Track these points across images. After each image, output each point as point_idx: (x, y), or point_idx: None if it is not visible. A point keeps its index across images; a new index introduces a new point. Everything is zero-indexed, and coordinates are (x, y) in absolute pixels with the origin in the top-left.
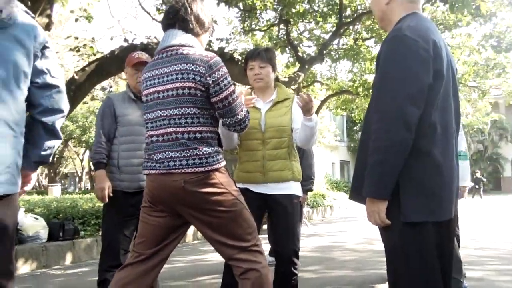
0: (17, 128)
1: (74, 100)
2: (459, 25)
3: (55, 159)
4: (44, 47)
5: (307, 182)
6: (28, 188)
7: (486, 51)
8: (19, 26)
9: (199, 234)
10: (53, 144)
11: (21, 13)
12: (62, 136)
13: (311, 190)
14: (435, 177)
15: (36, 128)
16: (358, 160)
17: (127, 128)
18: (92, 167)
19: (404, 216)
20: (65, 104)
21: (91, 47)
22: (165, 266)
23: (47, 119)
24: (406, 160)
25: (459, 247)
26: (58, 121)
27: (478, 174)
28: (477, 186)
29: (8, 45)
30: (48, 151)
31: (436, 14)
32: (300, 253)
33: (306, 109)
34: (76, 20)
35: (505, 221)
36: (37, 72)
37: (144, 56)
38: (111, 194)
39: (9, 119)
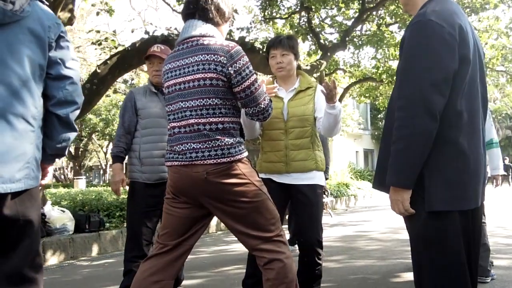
0: (35, 123)
1: (97, 94)
2: (486, 8)
3: (79, 152)
4: (59, 37)
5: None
6: (45, 181)
7: None
8: (33, 17)
9: (222, 225)
10: (68, 137)
11: (35, 4)
12: (77, 128)
13: (326, 179)
14: (461, 166)
15: (50, 121)
16: (382, 149)
17: (148, 120)
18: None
19: (428, 205)
20: (79, 96)
21: (113, 40)
22: (189, 256)
23: (61, 112)
24: (431, 149)
25: (487, 235)
26: (73, 113)
27: (507, 161)
28: (506, 173)
29: (24, 38)
30: (64, 144)
31: None
32: (324, 243)
33: (330, 96)
34: (98, 13)
35: None
36: (51, 63)
37: (158, 49)
38: (125, 188)
39: (27, 115)
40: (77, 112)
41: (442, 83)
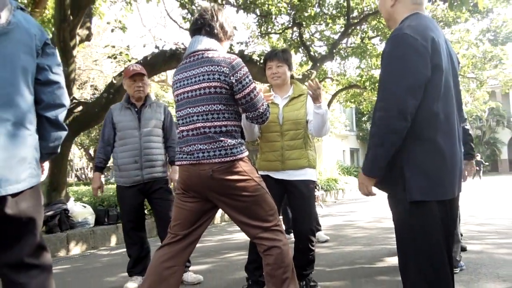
0: (31, 127)
1: (113, 102)
2: (458, 22)
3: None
4: (45, 44)
5: None
6: (42, 178)
7: (483, 45)
8: (20, 27)
9: (226, 217)
10: (59, 136)
11: (18, 13)
12: (66, 127)
13: None
14: (438, 161)
15: (42, 123)
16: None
17: (122, 132)
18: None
19: (409, 195)
20: (66, 99)
21: (126, 54)
22: (197, 245)
23: (50, 114)
24: (412, 145)
25: (459, 224)
26: (61, 115)
27: (479, 157)
28: (478, 168)
29: (14, 49)
30: (56, 142)
31: (436, 12)
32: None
33: (315, 96)
34: (112, 30)
35: (502, 199)
36: (39, 70)
37: (138, 67)
38: (100, 194)
39: (24, 120)
40: (65, 113)
41: (416, 89)
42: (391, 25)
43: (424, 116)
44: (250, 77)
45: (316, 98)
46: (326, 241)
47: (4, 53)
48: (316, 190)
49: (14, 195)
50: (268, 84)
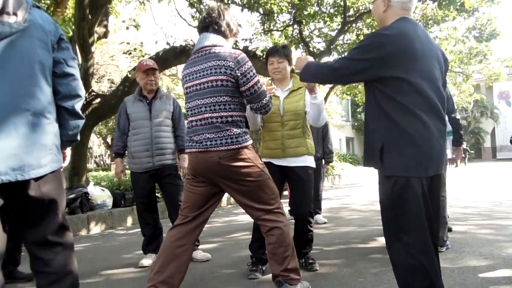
0: (50, 116)
1: (128, 94)
2: (446, 20)
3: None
4: (60, 39)
5: (329, 155)
6: (65, 164)
7: (469, 41)
8: (36, 24)
9: (232, 200)
10: (77, 124)
11: (34, 11)
12: (83, 116)
13: (331, 161)
14: (412, 142)
15: (60, 113)
16: (365, 137)
17: (135, 123)
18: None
19: (385, 171)
20: (81, 90)
21: (140, 50)
22: (205, 225)
23: (67, 104)
24: (390, 128)
25: (446, 209)
26: (77, 104)
27: (464, 145)
28: (464, 155)
29: (31, 44)
30: (75, 131)
31: (426, 10)
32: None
33: (310, 87)
34: (127, 28)
35: (485, 184)
36: (55, 63)
37: (151, 62)
38: (124, 177)
39: (43, 110)
40: (81, 103)
41: (348, 74)
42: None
43: (400, 103)
44: (254, 71)
45: (311, 90)
46: (324, 223)
47: (21, 48)
48: (323, 173)
49: (36, 179)
50: (270, 78)
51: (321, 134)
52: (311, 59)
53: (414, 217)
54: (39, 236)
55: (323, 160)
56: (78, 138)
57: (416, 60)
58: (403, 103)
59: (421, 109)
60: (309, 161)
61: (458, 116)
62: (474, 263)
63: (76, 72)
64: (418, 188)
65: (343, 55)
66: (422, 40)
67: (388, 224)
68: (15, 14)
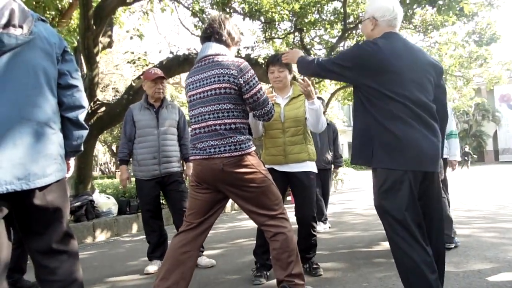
0: (55, 126)
1: (133, 102)
2: (445, 25)
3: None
4: (64, 52)
5: (339, 160)
6: (69, 174)
7: (469, 46)
8: (41, 37)
9: (236, 206)
10: (81, 134)
11: (39, 24)
12: (87, 126)
13: (341, 165)
14: (396, 141)
15: (64, 123)
16: (353, 138)
17: (141, 130)
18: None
19: (374, 164)
20: (85, 101)
21: (144, 59)
22: (210, 232)
23: (71, 115)
24: (378, 129)
25: (449, 209)
26: (81, 115)
27: (467, 149)
28: (466, 158)
29: (36, 56)
30: (79, 141)
31: (425, 16)
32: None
33: (307, 93)
34: (131, 38)
35: (488, 187)
36: (60, 75)
37: (159, 71)
38: (129, 184)
39: (48, 120)
40: (85, 113)
41: (329, 73)
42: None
43: (388, 107)
44: (257, 79)
45: (308, 95)
46: (329, 227)
47: (26, 60)
48: (331, 178)
49: (41, 188)
50: (270, 86)
51: (332, 139)
52: (300, 52)
53: (398, 206)
54: (44, 245)
55: (333, 165)
56: (82, 148)
57: (394, 74)
58: (388, 109)
59: (407, 116)
60: (311, 167)
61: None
62: (479, 267)
63: (80, 83)
64: (407, 182)
65: (330, 56)
66: (403, 54)
67: (380, 210)
68: (20, 26)
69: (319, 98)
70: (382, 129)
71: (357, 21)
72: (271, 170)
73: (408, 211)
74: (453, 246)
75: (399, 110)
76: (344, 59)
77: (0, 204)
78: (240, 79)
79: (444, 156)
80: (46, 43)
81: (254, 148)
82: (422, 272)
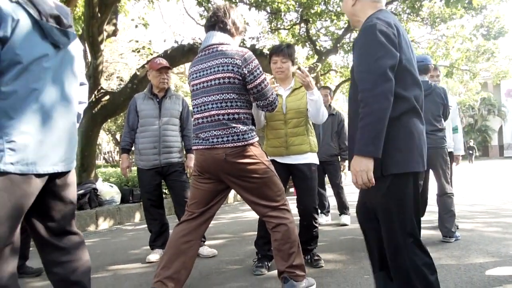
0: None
1: (137, 91)
2: (453, 18)
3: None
4: (79, 52)
5: (345, 152)
6: None
7: (477, 39)
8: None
9: (238, 197)
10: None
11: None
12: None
13: (347, 158)
14: (408, 139)
15: None
16: (349, 132)
17: (144, 120)
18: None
19: (385, 169)
20: (87, 97)
21: (149, 48)
22: (212, 222)
23: (79, 109)
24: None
25: (452, 202)
26: (83, 110)
27: (471, 143)
28: (470, 152)
29: (72, 52)
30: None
31: (433, 9)
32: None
33: (306, 83)
34: (136, 26)
35: (492, 182)
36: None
37: (164, 61)
38: (130, 173)
39: (76, 113)
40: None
41: (394, 69)
42: (353, 23)
43: (394, 98)
44: (261, 69)
45: (307, 86)
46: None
47: (71, 55)
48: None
49: (67, 172)
50: (272, 76)
51: (337, 130)
52: None
53: (410, 216)
54: (59, 226)
55: (339, 157)
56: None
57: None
58: (400, 96)
59: (410, 103)
60: (312, 158)
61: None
62: (481, 261)
63: (84, 79)
64: (414, 184)
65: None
66: (402, 30)
67: (388, 225)
68: (70, 26)
69: (326, 87)
70: (394, 124)
71: None
72: (272, 162)
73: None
74: (453, 240)
75: (410, 97)
76: (386, 55)
77: (38, 184)
78: (244, 69)
79: (450, 150)
80: (77, 41)
81: (257, 138)
82: (423, 274)
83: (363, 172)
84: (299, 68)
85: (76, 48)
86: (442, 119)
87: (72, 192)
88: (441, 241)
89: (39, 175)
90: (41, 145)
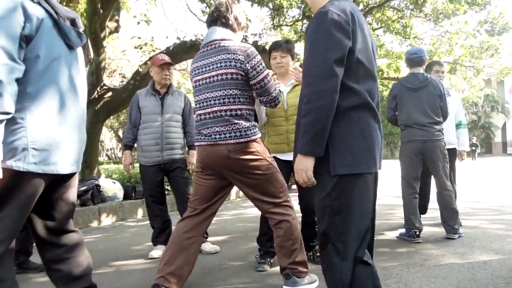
0: None
1: (139, 88)
2: (457, 14)
3: None
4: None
5: None
6: None
7: (480, 35)
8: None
9: (240, 193)
10: None
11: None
12: None
13: None
14: (358, 137)
15: None
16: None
17: (146, 116)
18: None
19: (333, 169)
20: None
21: (151, 44)
22: (214, 218)
23: None
24: (333, 123)
25: (456, 200)
26: None
27: (474, 140)
28: (474, 148)
29: (80, 52)
30: None
31: (437, 4)
32: None
33: (301, 80)
34: (138, 23)
35: (496, 179)
36: None
37: (166, 57)
38: (132, 170)
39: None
40: None
41: (341, 61)
42: (314, 11)
43: (343, 91)
44: (264, 64)
45: (302, 82)
46: None
47: (81, 53)
48: None
49: (75, 173)
50: (273, 73)
51: None
52: None
53: (360, 219)
54: (58, 225)
55: None
56: None
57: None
58: (350, 89)
59: (364, 97)
60: None
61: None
62: (484, 258)
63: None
64: (367, 185)
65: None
66: (361, 19)
67: (328, 230)
68: (82, 28)
69: None
70: (342, 120)
71: (367, 8)
72: (274, 159)
73: (369, 223)
74: (456, 237)
75: (362, 90)
76: (333, 47)
77: (47, 183)
78: (247, 65)
79: (453, 146)
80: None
81: (259, 135)
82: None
83: (302, 171)
84: (301, 65)
85: (81, 49)
86: (440, 112)
87: (74, 192)
88: (444, 238)
89: (49, 175)
90: (61, 145)
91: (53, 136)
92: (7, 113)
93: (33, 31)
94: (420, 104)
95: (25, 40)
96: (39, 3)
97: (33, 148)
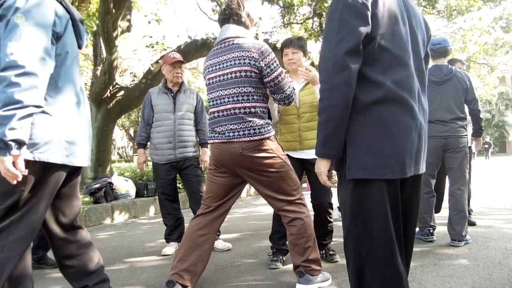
0: None
1: (151, 86)
2: (471, 10)
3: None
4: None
5: None
6: None
7: (495, 32)
8: None
9: (251, 191)
10: None
11: None
12: None
13: None
14: (383, 135)
15: None
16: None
17: (159, 115)
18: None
19: (349, 172)
20: None
21: (162, 43)
22: (226, 216)
23: None
24: (353, 118)
25: (469, 201)
26: None
27: (488, 139)
28: (486, 146)
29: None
30: None
31: (450, 1)
32: (335, 206)
33: (311, 79)
34: (149, 22)
35: (510, 178)
36: None
37: (178, 55)
38: (146, 168)
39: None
40: None
41: (353, 53)
42: None
43: (364, 83)
44: (278, 62)
45: (312, 81)
46: None
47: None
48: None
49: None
50: (286, 71)
51: None
52: None
53: (377, 229)
54: (67, 220)
55: None
56: None
57: None
58: (373, 80)
59: (393, 91)
60: None
61: (480, 107)
62: (500, 258)
63: None
64: (387, 192)
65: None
66: (393, 2)
67: (347, 230)
68: (81, 21)
69: None
70: (364, 115)
71: None
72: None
73: (389, 233)
74: (462, 245)
75: (389, 82)
76: (347, 36)
77: (65, 174)
78: (261, 62)
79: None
80: None
81: (273, 132)
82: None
83: (318, 174)
84: (312, 64)
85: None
86: (466, 106)
87: (78, 188)
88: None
89: (69, 167)
90: (81, 139)
91: (76, 130)
92: (39, 107)
93: (62, 29)
94: (445, 99)
95: (56, 37)
96: (61, 3)
97: (66, 141)
